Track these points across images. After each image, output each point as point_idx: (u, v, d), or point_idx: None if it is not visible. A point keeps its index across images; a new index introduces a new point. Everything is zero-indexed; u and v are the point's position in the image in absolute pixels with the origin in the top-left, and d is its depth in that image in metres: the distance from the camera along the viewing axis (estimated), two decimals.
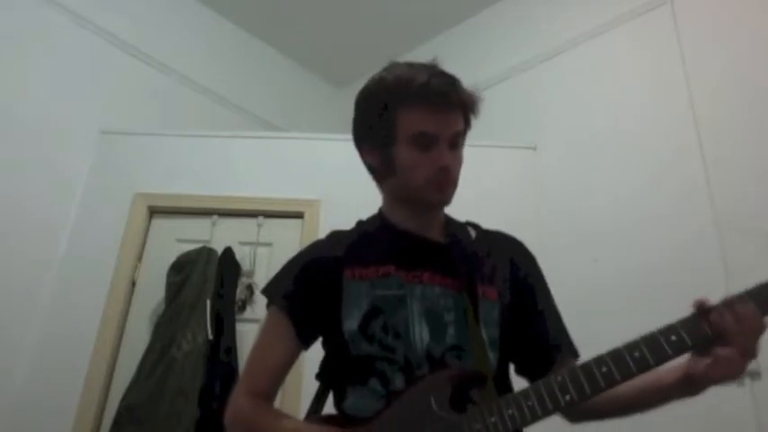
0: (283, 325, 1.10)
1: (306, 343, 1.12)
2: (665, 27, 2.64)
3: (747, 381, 1.95)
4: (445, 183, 1.09)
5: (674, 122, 2.47)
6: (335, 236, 1.19)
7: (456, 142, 1.09)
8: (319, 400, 1.12)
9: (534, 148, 2.89)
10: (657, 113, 2.54)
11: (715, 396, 1.97)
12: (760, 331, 0.85)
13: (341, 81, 3.93)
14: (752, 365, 1.99)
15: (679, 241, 2.26)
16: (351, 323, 1.05)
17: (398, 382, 1.00)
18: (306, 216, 2.75)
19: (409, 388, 0.98)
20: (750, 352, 0.85)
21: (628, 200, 2.48)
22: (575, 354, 1.10)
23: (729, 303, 0.87)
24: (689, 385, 0.90)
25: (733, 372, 0.86)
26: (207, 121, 3.31)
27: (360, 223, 1.21)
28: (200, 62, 3.46)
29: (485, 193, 2.68)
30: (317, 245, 1.19)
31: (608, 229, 2.49)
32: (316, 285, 1.10)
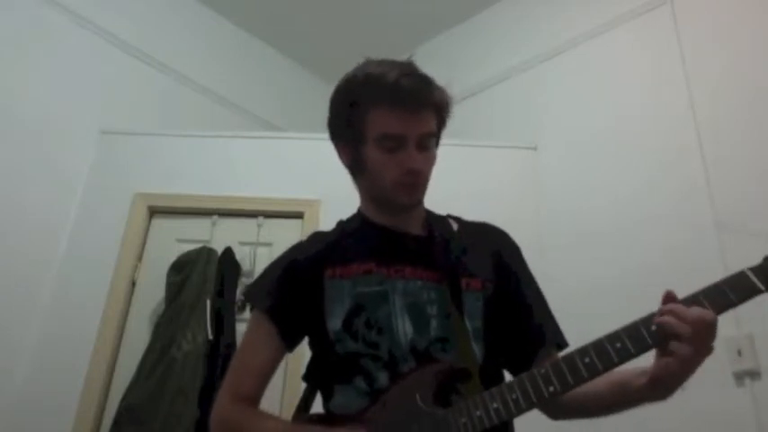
0: (266, 328, 1.10)
1: (290, 345, 1.12)
2: (665, 27, 2.64)
3: (747, 381, 1.95)
4: (413, 185, 1.08)
5: (674, 122, 2.46)
6: (316, 237, 1.20)
7: (426, 144, 1.08)
8: (307, 400, 1.13)
9: (534, 148, 2.89)
10: (657, 113, 2.54)
11: (715, 396, 1.97)
12: (707, 329, 0.85)
13: None
14: (752, 365, 2.00)
15: (679, 241, 2.26)
16: (334, 322, 1.05)
17: (383, 379, 1.01)
18: (306, 216, 2.75)
19: (394, 385, 0.98)
20: (701, 350, 0.85)
21: (628, 200, 2.48)
22: (561, 343, 1.10)
23: (680, 303, 0.88)
24: (656, 386, 0.90)
25: (686, 369, 0.86)
26: (207, 121, 3.31)
27: (340, 223, 1.22)
28: (200, 62, 3.45)
29: (485, 193, 2.69)
30: (297, 247, 1.19)
31: (608, 229, 2.48)
32: (297, 286, 1.10)
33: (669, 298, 0.89)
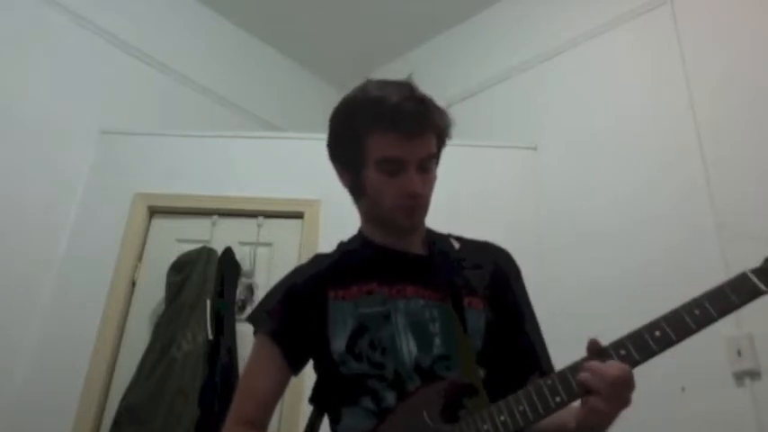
0: (270, 351, 1.10)
1: (295, 368, 1.12)
2: (665, 27, 2.64)
3: (747, 381, 1.95)
4: (413, 209, 1.09)
5: (674, 122, 2.46)
6: (317, 259, 1.20)
7: (426, 166, 1.08)
8: (314, 423, 1.12)
9: (534, 148, 2.89)
10: (657, 113, 2.54)
11: (715, 396, 1.97)
12: (623, 385, 0.86)
13: (341, 81, 3.92)
14: (752, 365, 2.01)
15: (679, 241, 2.26)
16: (338, 344, 1.06)
17: (390, 398, 1.00)
18: (306, 216, 2.74)
19: (401, 404, 0.98)
20: (616, 404, 0.87)
21: (628, 200, 2.48)
22: (549, 371, 1.09)
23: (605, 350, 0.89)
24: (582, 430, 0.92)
25: (604, 421, 0.88)
26: (207, 121, 3.31)
27: (341, 244, 1.22)
28: (200, 62, 3.45)
29: (485, 193, 2.69)
30: (299, 269, 1.20)
31: (608, 229, 2.48)
32: (300, 309, 1.11)
33: (593, 346, 0.91)
